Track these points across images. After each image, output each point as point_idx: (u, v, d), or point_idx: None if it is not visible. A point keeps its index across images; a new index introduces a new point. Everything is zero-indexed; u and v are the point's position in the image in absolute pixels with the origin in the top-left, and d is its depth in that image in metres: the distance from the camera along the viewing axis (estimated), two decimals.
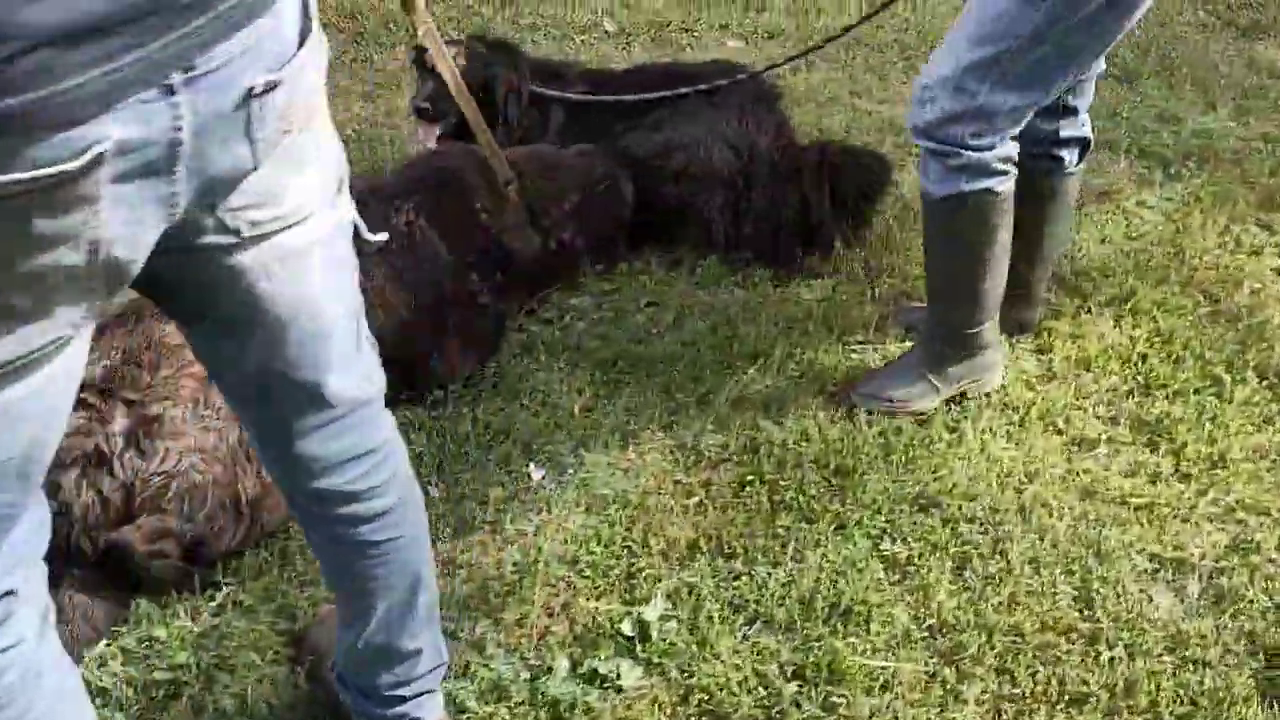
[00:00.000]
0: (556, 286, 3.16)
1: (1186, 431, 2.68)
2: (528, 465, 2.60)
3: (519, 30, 4.87)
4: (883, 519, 2.44)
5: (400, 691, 1.73)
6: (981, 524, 2.44)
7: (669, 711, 2.05)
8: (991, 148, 2.42)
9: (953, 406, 2.76)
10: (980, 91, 2.33)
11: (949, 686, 2.09)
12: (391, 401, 1.61)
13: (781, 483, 2.53)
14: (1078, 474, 2.58)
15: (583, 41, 4.83)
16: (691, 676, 2.09)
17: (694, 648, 2.16)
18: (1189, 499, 2.52)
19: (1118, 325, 3.07)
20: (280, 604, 2.23)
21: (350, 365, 1.45)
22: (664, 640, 2.17)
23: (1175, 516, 2.48)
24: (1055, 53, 2.30)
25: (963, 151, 2.41)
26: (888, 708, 2.05)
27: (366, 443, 1.53)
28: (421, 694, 1.76)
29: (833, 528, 2.42)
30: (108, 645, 2.14)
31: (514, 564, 2.34)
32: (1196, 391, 2.81)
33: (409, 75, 4.00)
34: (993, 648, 2.15)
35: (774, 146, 3.37)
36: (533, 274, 3.04)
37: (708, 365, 2.90)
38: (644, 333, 3.04)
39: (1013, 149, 2.47)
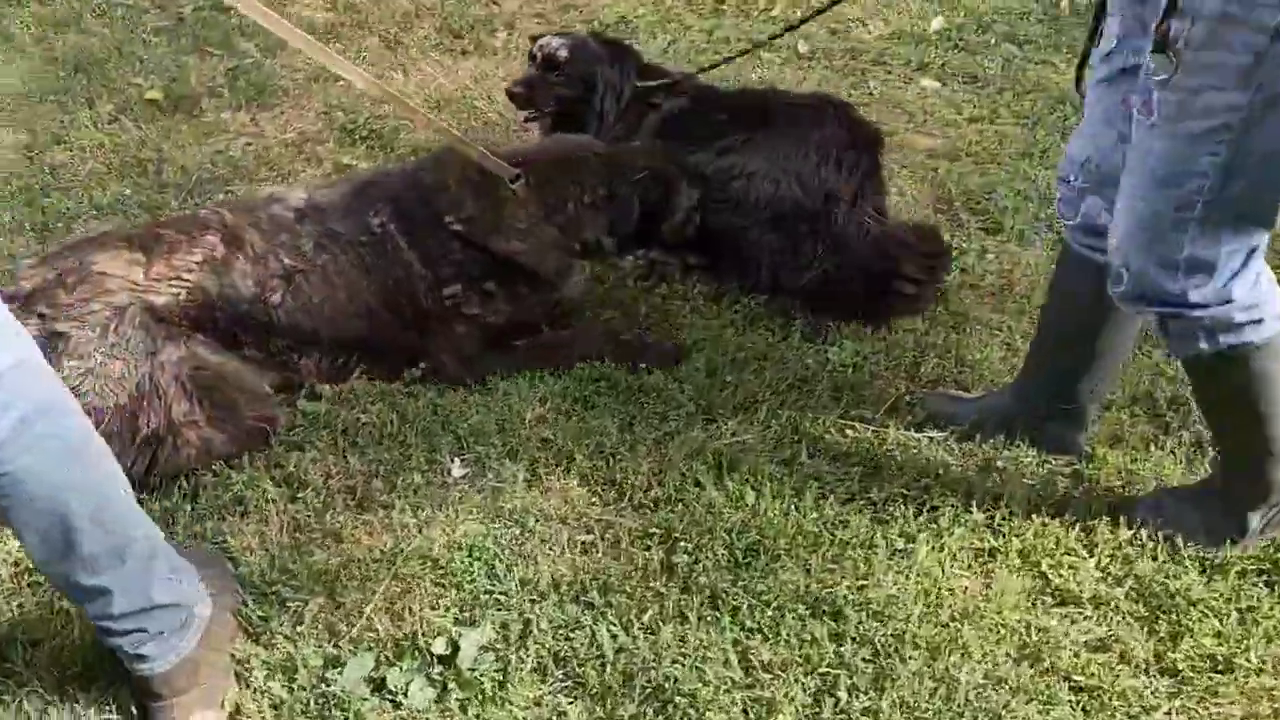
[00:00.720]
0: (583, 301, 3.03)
1: (1202, 619, 2.17)
2: (452, 460, 2.55)
3: (712, 44, 4.77)
4: (768, 613, 2.17)
5: (105, 624, 1.76)
6: (875, 651, 2.10)
7: None
8: (1229, 300, 2.00)
9: (923, 513, 2.40)
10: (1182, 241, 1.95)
11: None
12: None
13: (683, 544, 2.31)
14: (1027, 629, 2.16)
15: (768, 60, 4.64)
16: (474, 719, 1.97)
17: (492, 689, 2.02)
18: (1156, 699, 2.04)
19: (1189, 467, 2.54)
20: None
21: None
22: (470, 671, 2.05)
23: (1126, 714, 2.02)
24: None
25: (1188, 311, 2.02)
26: None
27: None
28: (131, 632, 1.77)
29: (707, 606, 2.19)
30: None
31: (382, 551, 2.31)
32: (1251, 573, 2.27)
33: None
34: None
35: (856, 197, 3.08)
36: (551, 282, 2.92)
37: (685, 407, 2.70)
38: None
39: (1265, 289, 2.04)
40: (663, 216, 2.99)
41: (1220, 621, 2.16)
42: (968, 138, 3.99)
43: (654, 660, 2.07)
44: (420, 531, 2.35)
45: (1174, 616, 2.18)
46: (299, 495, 2.44)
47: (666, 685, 2.02)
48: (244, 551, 2.30)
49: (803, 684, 2.04)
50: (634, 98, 3.40)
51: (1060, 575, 2.27)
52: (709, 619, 2.16)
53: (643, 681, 2.04)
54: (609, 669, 2.06)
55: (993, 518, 2.39)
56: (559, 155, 2.95)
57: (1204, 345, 2.05)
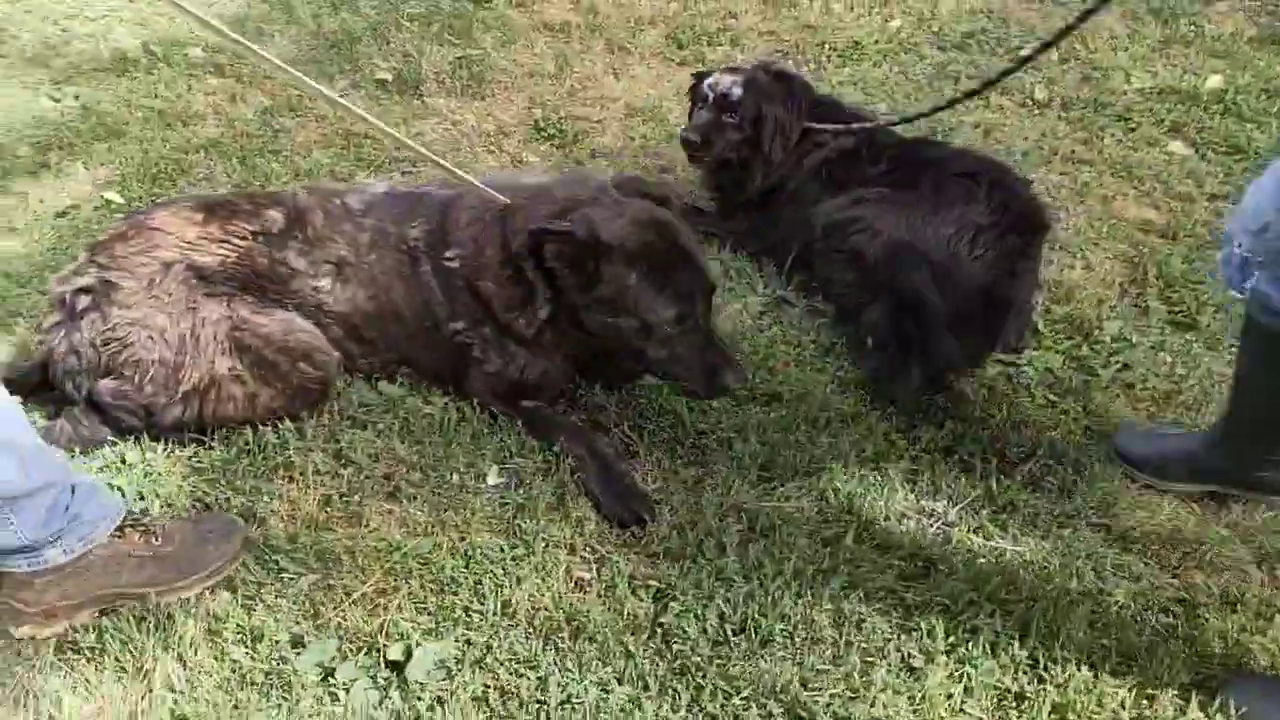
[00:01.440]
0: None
1: None
2: (490, 467, 2.53)
3: (942, 78, 4.45)
4: (733, 702, 1.98)
5: None
6: None
7: None
8: None
9: (957, 631, 2.10)
10: None
11: None
12: None
13: (675, 605, 2.16)
14: None
15: (996, 103, 4.26)
16: None
17: (427, 708, 1.98)
18: None
19: None
20: None
21: None
22: (416, 683, 2.02)
23: None
24: None
25: None
26: None
27: None
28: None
29: (673, 676, 2.03)
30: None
31: (388, 542, 2.32)
32: None
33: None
34: None
35: (988, 275, 2.75)
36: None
37: (742, 459, 2.52)
38: (701, 406, 2.70)
39: None
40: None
41: None
42: (1196, 216, 3.46)
43: (591, 718, 1.94)
44: (429, 531, 2.35)
45: None
46: (341, 472, 2.51)
47: None
48: (272, 515, 2.40)
49: None
50: (802, 136, 3.23)
51: None
52: (669, 692, 2.00)
53: None
54: (545, 717, 1.96)
55: (1038, 656, 2.05)
56: (544, 193, 2.59)
57: None
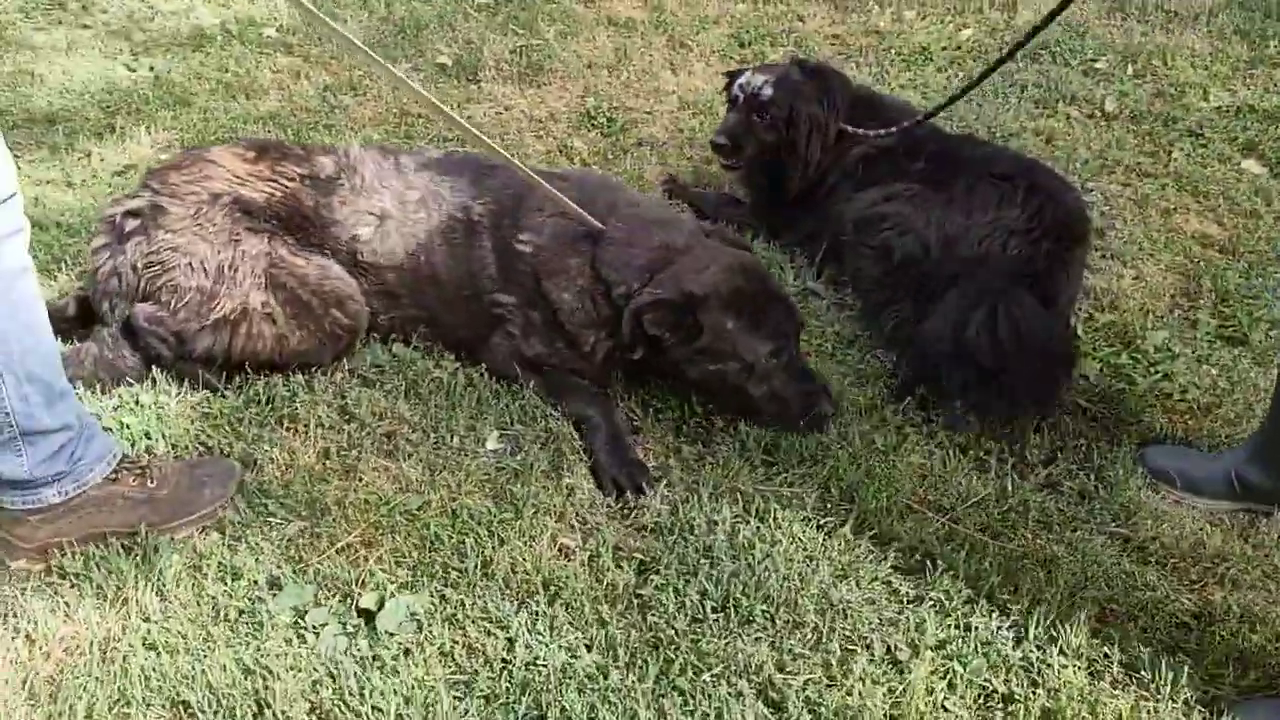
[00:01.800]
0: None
1: None
2: (491, 432, 2.50)
3: (1006, 88, 4.32)
4: (703, 679, 1.90)
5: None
6: None
7: (301, 697, 1.90)
8: None
9: (949, 626, 1.99)
10: None
11: None
12: None
13: (656, 578, 2.09)
14: None
15: (1062, 112, 4.12)
16: (362, 689, 1.90)
17: (393, 657, 1.95)
18: None
19: None
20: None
21: None
22: (383, 635, 1.99)
23: None
24: None
25: None
26: None
27: None
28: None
29: (645, 648, 1.96)
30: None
31: (378, 497, 2.30)
32: None
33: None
34: None
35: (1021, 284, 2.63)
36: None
37: (747, 443, 2.45)
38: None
39: None
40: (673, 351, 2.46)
41: None
42: (1260, 234, 3.28)
43: (556, 685, 1.89)
44: (421, 490, 2.33)
45: None
46: (344, 427, 2.50)
47: (551, 714, 1.84)
48: (271, 463, 2.40)
49: None
50: (840, 134, 3.15)
51: None
52: (639, 663, 1.94)
53: (530, 701, 1.87)
54: (508, 677, 1.91)
55: (1033, 659, 1.93)
56: (641, 228, 2.56)
57: None
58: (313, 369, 2.65)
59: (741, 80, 3.27)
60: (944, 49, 4.67)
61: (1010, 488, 2.33)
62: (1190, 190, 3.55)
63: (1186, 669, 1.90)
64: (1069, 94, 4.22)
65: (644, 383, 2.66)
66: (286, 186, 2.63)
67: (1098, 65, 4.50)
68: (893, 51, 4.67)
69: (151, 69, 4.60)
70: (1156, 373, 2.68)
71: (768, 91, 3.17)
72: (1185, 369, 2.69)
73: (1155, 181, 3.59)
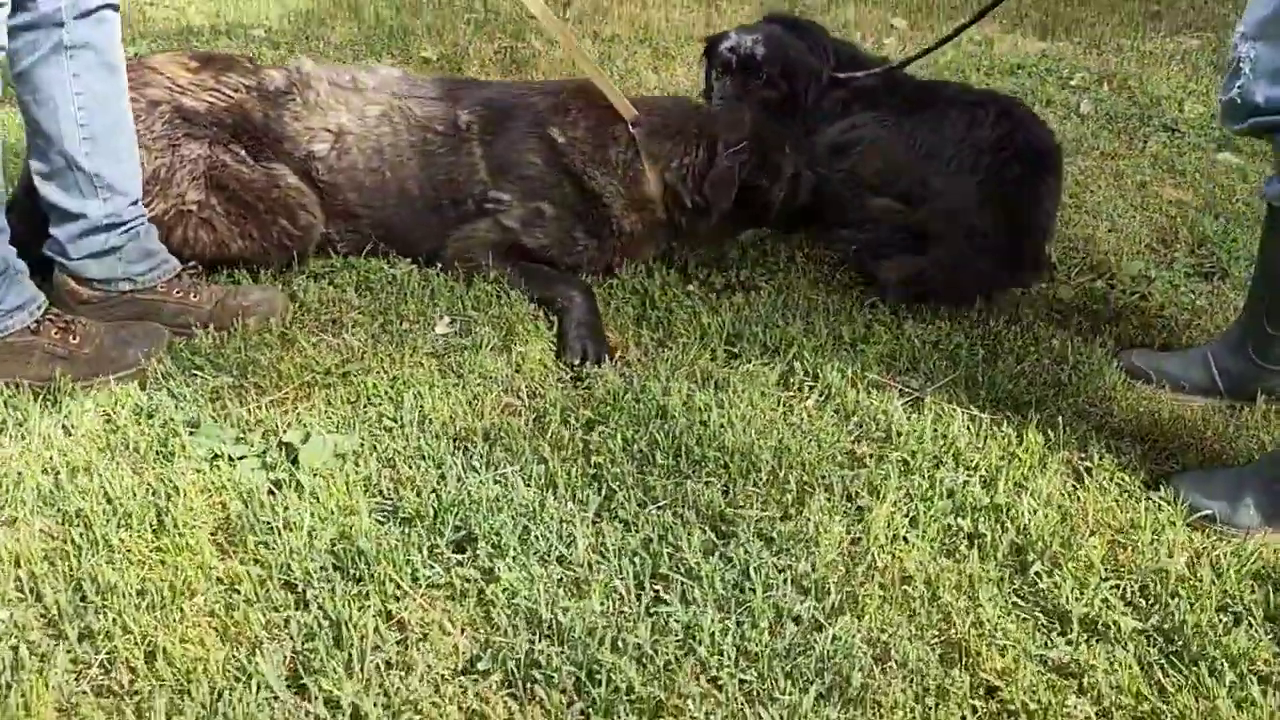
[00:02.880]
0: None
1: None
2: (441, 317, 2.39)
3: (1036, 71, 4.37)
4: (648, 511, 1.76)
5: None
6: (752, 581, 1.61)
7: (206, 511, 1.75)
8: None
9: (913, 479, 1.85)
10: None
11: None
12: None
13: (603, 427, 1.96)
14: (964, 647, 1.56)
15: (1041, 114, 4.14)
16: (274, 507, 1.75)
17: (315, 486, 1.80)
18: None
19: None
20: None
21: None
22: (309, 465, 1.84)
23: None
24: None
25: None
26: None
27: None
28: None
29: (585, 483, 1.82)
30: None
31: (315, 360, 2.17)
32: None
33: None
34: None
35: (990, 201, 2.59)
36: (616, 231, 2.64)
37: (709, 334, 2.34)
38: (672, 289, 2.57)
39: None
40: (763, 193, 2.67)
41: None
42: (1239, 199, 3.25)
43: (487, 507, 1.74)
44: (362, 358, 2.20)
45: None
46: (293, 315, 2.39)
47: (479, 532, 1.68)
48: (205, 336, 2.28)
49: (632, 572, 1.61)
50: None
51: (1050, 593, 1.63)
52: (579, 496, 1.79)
53: (458, 522, 1.71)
54: (434, 499, 1.76)
55: (1001, 503, 1.79)
56: (670, 111, 2.74)
57: None
58: (257, 267, 2.55)
59: (729, 43, 3.25)
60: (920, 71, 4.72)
61: (980, 376, 2.21)
62: (1166, 169, 3.54)
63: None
64: (1044, 99, 4.25)
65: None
66: (231, 96, 2.55)
67: (1073, 81, 4.56)
68: None
69: (136, 55, 4.62)
70: (1134, 294, 2.60)
71: (760, 50, 3.15)
72: (1162, 291, 2.62)
73: (1130, 161, 3.58)
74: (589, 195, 2.60)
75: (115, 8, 2.12)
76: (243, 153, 2.52)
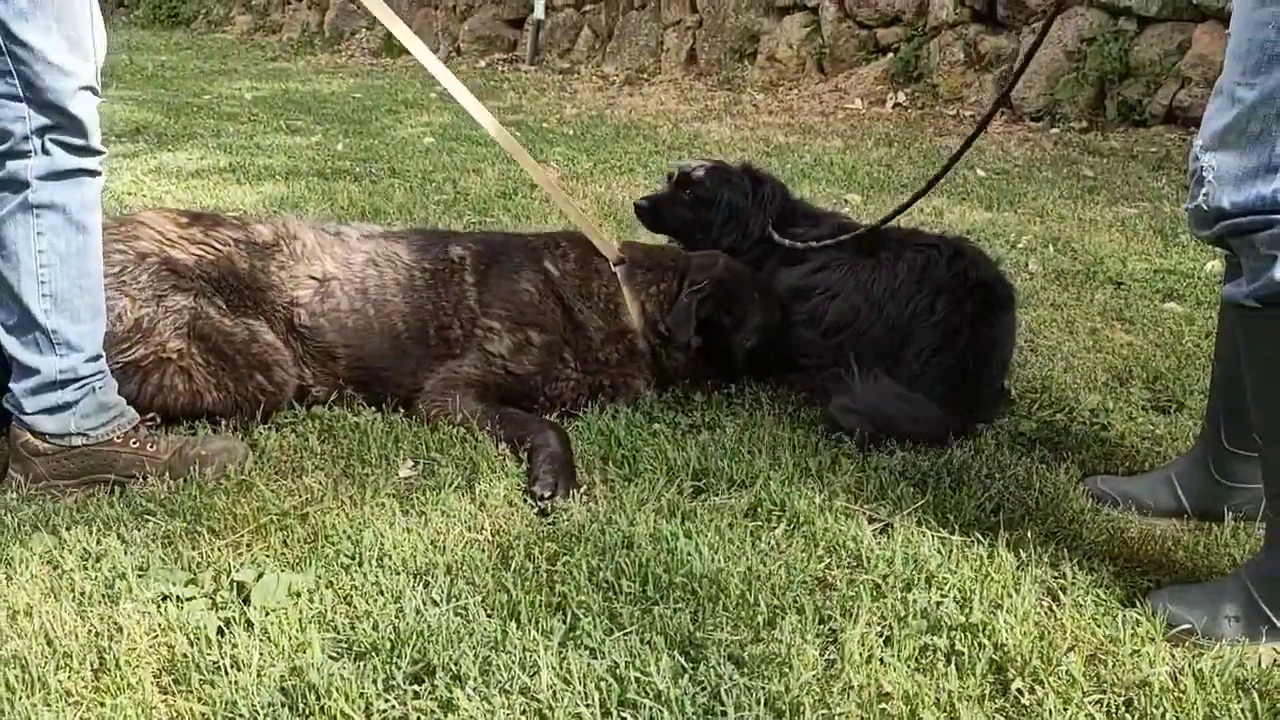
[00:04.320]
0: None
1: None
2: (406, 461, 2.36)
3: None
4: (616, 639, 1.69)
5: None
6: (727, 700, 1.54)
7: (149, 652, 1.67)
8: None
9: (887, 623, 1.81)
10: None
11: None
12: None
13: (568, 558, 1.91)
14: None
15: None
16: (213, 681, 1.66)
17: (267, 625, 1.73)
18: None
19: None
20: None
21: None
22: (260, 607, 1.77)
23: None
24: None
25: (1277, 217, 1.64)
26: None
27: None
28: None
29: (549, 614, 1.75)
30: None
31: (273, 504, 2.13)
32: None
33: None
34: None
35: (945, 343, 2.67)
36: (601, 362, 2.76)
37: (678, 473, 2.32)
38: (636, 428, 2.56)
39: None
40: (724, 334, 2.80)
41: None
42: (1189, 339, 3.34)
43: (447, 638, 1.67)
44: (322, 499, 2.16)
45: None
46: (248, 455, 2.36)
47: (438, 662, 1.61)
48: (159, 483, 2.23)
49: (598, 699, 1.54)
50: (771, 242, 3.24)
51: (1033, 709, 1.57)
52: (543, 625, 1.73)
53: (416, 653, 1.64)
54: (391, 632, 1.69)
55: (976, 622, 1.74)
56: (650, 251, 2.96)
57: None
58: (221, 420, 2.54)
59: (682, 162, 3.43)
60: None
61: (948, 501, 2.20)
62: (1115, 316, 3.65)
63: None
64: (994, 258, 4.41)
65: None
66: (220, 250, 2.62)
67: (1019, 244, 4.75)
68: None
69: None
70: (1095, 424, 2.63)
71: (699, 173, 3.31)
72: (1121, 422, 2.65)
73: (1080, 310, 3.70)
74: (576, 325, 2.73)
75: (94, 173, 2.16)
76: (226, 305, 2.55)
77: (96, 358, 2.23)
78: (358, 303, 2.66)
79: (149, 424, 2.37)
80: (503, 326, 2.69)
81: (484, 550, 1.99)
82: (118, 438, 2.26)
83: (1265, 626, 1.74)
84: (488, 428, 2.48)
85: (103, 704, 1.54)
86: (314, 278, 2.65)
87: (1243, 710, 1.56)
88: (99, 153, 2.15)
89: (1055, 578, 1.91)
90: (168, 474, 2.24)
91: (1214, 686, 1.61)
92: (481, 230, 3.07)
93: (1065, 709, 1.56)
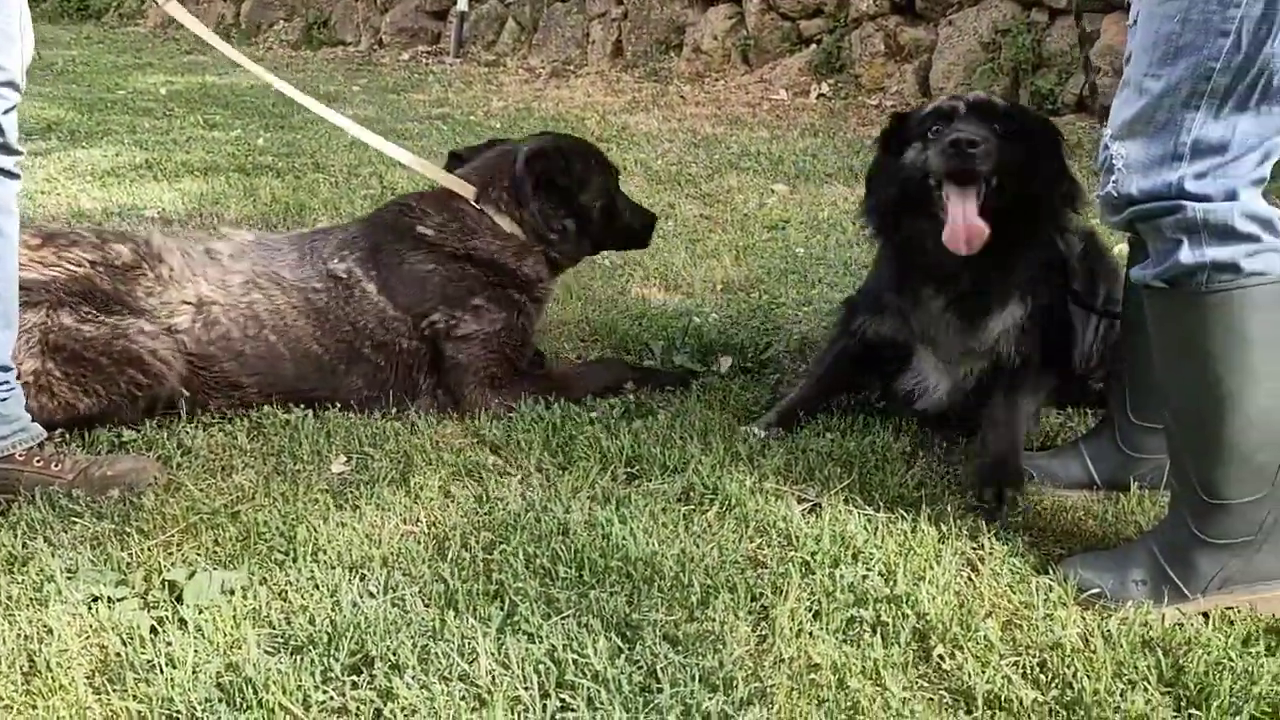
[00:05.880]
0: None
1: None
2: (339, 457, 2.36)
3: None
4: (555, 622, 1.72)
5: None
6: (659, 680, 1.59)
7: (81, 654, 1.66)
8: (1233, 197, 1.67)
9: (832, 593, 1.87)
10: (1188, 122, 1.66)
11: None
12: None
13: (504, 547, 1.93)
14: None
15: None
16: (147, 680, 1.64)
17: (200, 622, 1.72)
18: None
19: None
20: None
21: None
22: (189, 610, 1.76)
23: None
24: None
25: (1185, 204, 1.68)
26: None
27: None
28: None
29: (486, 601, 1.78)
30: None
31: (203, 503, 2.11)
32: None
33: None
34: None
35: None
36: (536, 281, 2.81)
37: (611, 461, 2.36)
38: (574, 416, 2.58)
39: (1270, 210, 1.70)
40: (571, 195, 2.82)
41: None
42: None
43: (384, 629, 1.68)
44: (253, 497, 2.15)
45: None
46: (173, 456, 2.34)
47: (376, 653, 1.63)
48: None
49: (537, 682, 1.57)
50: None
51: (954, 673, 1.65)
52: (480, 612, 1.75)
53: (354, 646, 1.65)
54: (328, 625, 1.70)
55: (901, 594, 1.81)
56: (487, 159, 2.85)
57: (1185, 258, 1.68)
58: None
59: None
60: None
61: (873, 480, 2.27)
62: None
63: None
64: None
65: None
66: (74, 271, 2.49)
67: None
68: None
69: None
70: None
71: None
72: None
73: None
74: (488, 264, 2.69)
75: (12, 174, 2.09)
76: (87, 310, 2.44)
77: (5, 369, 2.16)
78: (250, 329, 2.57)
79: (56, 440, 2.31)
80: (452, 308, 2.64)
81: (420, 542, 2.00)
82: (21, 454, 2.18)
83: (1168, 589, 1.84)
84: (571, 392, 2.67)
85: (34, 706, 1.53)
86: (188, 303, 2.55)
87: (1148, 667, 1.65)
88: (17, 153, 2.09)
89: (974, 549, 1.99)
90: (72, 494, 2.16)
91: (1121, 646, 1.70)
92: (334, 228, 2.83)
93: (984, 671, 1.63)
